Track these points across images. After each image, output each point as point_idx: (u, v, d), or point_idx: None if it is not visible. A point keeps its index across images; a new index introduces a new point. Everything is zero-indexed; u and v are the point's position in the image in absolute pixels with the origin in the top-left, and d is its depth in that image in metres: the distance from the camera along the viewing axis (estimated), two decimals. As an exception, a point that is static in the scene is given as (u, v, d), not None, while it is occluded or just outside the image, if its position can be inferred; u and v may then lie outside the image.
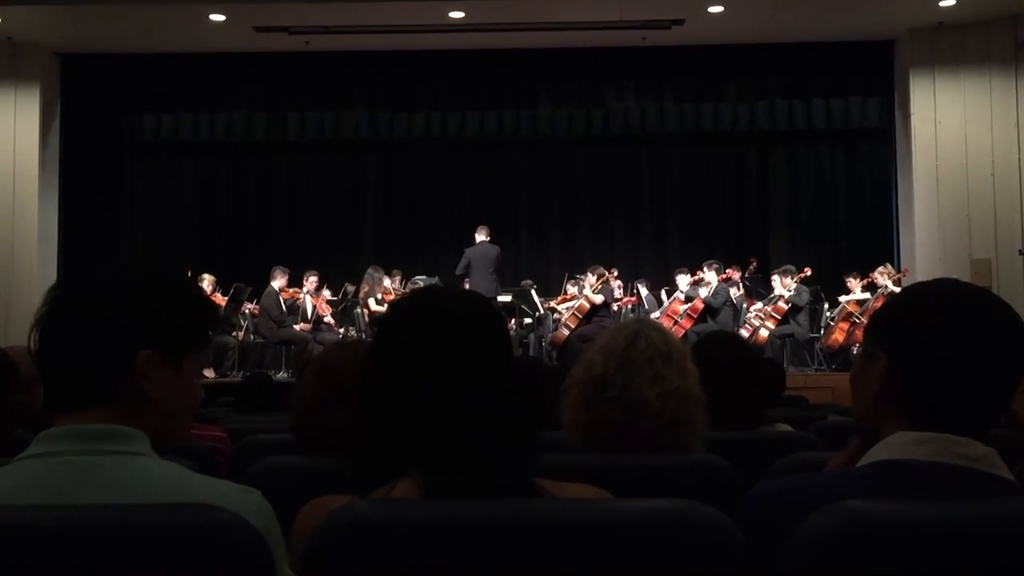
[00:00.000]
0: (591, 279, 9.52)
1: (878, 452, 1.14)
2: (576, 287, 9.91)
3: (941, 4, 9.63)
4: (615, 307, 9.78)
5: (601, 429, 1.73)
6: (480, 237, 9.99)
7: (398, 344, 1.22)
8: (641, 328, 1.80)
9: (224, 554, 0.98)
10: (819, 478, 1.19)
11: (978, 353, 1.11)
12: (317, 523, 1.02)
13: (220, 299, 9.74)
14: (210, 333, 1.29)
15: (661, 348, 1.76)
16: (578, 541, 0.99)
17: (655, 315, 9.84)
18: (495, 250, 9.91)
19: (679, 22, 9.83)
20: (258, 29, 9.78)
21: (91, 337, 1.15)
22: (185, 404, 1.24)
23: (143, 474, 1.12)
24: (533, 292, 9.99)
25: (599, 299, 9.46)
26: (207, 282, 9.87)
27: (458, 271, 9.90)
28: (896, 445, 1.12)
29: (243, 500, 1.12)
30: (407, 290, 9.80)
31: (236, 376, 9.25)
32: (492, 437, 1.16)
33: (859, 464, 1.16)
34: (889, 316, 1.20)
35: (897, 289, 9.29)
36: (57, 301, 1.19)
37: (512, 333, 10.47)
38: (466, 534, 1.00)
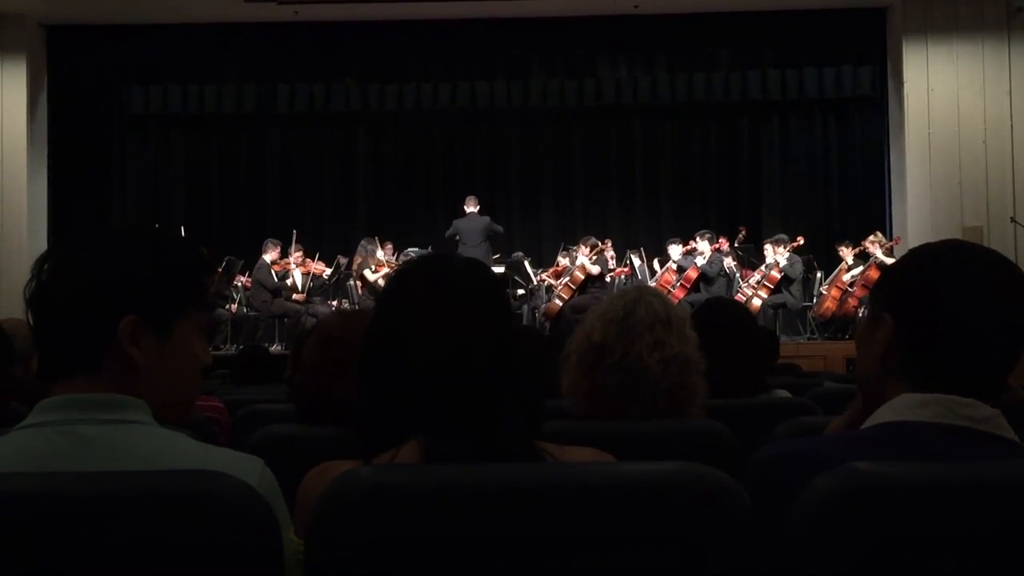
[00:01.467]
0: (584, 250, 9.51)
1: (883, 414, 1.14)
2: (568, 259, 9.90)
3: (934, -29, 9.58)
4: (608, 278, 9.78)
5: (601, 396, 1.73)
6: (469, 208, 9.93)
7: (401, 310, 1.21)
8: (641, 295, 1.80)
9: (230, 520, 0.97)
10: (824, 441, 1.19)
11: (984, 312, 1.10)
12: (322, 488, 1.02)
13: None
14: (207, 296, 1.23)
15: (661, 314, 1.76)
16: (584, 504, 0.99)
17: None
18: (484, 220, 9.85)
19: (672, -10, 9.76)
20: (247, 0, 9.66)
21: (74, 304, 1.12)
22: (184, 373, 1.18)
23: (144, 442, 1.10)
24: (526, 264, 9.98)
25: (595, 269, 9.44)
26: (199, 256, 9.82)
27: (447, 237, 9.92)
28: (901, 407, 1.12)
29: (246, 469, 1.11)
30: (400, 262, 9.78)
31: (230, 349, 9.25)
32: (494, 401, 1.16)
33: (864, 426, 1.16)
34: (895, 277, 1.19)
35: (888, 259, 9.32)
36: (44, 269, 1.16)
37: (506, 304, 10.47)
38: (470, 498, 0.99)
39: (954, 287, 1.11)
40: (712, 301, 2.64)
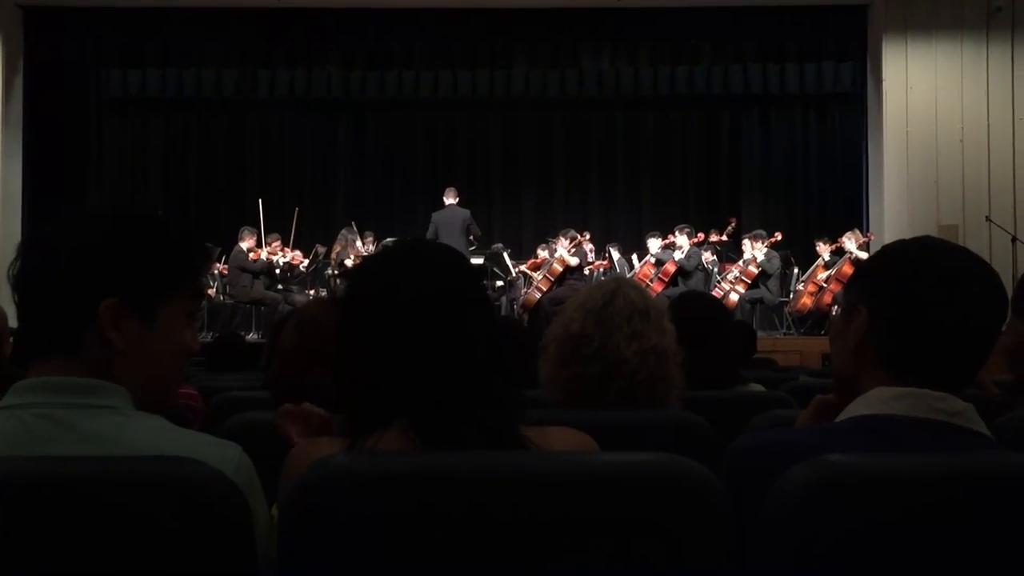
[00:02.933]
0: (564, 242, 9.51)
1: (857, 407, 1.15)
2: (547, 251, 9.90)
3: (916, -31, 9.64)
4: (587, 270, 9.79)
5: (579, 386, 1.73)
6: (448, 200, 9.79)
7: (387, 294, 1.19)
8: (619, 286, 1.80)
9: (201, 508, 0.97)
10: (799, 432, 1.20)
11: (957, 307, 1.11)
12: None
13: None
14: (197, 281, 1.20)
15: (639, 305, 1.76)
16: (562, 493, 0.99)
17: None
18: (463, 213, 9.72)
19: (655, -17, 9.77)
20: (228, -16, 9.59)
21: (55, 285, 1.10)
22: (167, 359, 1.16)
23: (119, 427, 1.09)
24: (505, 255, 9.97)
25: (575, 261, 9.44)
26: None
27: (428, 236, 9.82)
28: (875, 400, 1.13)
29: (223, 455, 1.10)
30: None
31: (206, 337, 9.19)
32: (482, 388, 1.16)
33: (838, 419, 1.17)
34: (870, 270, 1.20)
35: (863, 254, 9.39)
36: (26, 251, 1.14)
37: (485, 295, 10.46)
38: (448, 485, 0.99)
39: (927, 282, 1.13)
40: (687, 294, 2.65)
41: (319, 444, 1.18)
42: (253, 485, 1.13)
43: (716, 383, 2.26)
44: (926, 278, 1.13)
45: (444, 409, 1.13)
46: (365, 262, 1.30)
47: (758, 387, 2.45)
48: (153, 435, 1.09)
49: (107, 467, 0.98)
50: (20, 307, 1.13)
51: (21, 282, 1.13)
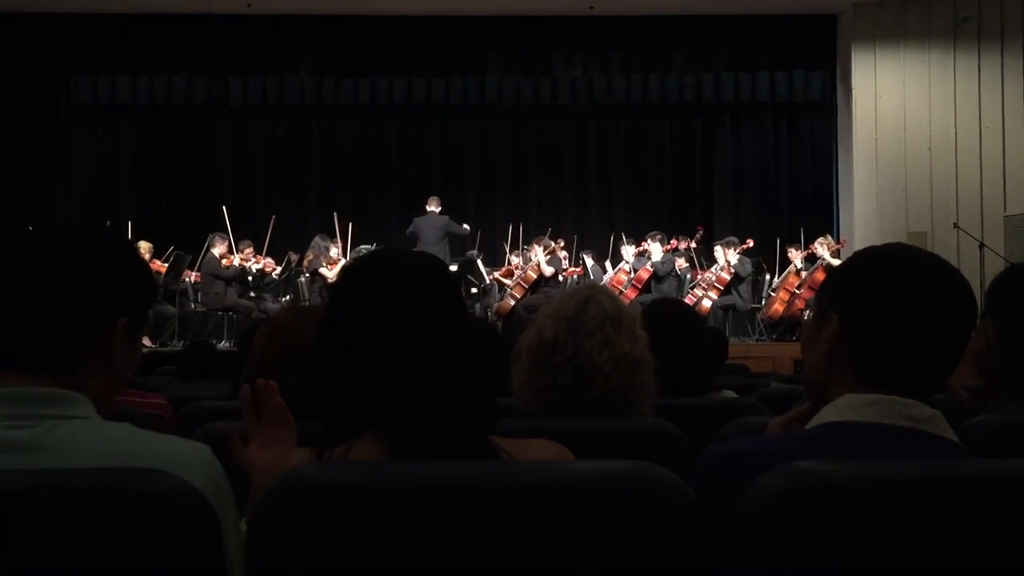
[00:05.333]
0: (539, 249, 9.53)
1: (827, 414, 1.15)
2: (521, 258, 9.92)
3: (884, -21, 9.77)
4: (561, 277, 9.81)
5: (552, 393, 1.73)
6: (430, 207, 9.96)
7: (357, 303, 1.20)
8: (592, 293, 1.80)
9: (168, 522, 0.96)
10: (769, 440, 1.21)
11: (928, 314, 1.12)
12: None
13: (159, 266, 9.56)
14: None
15: (612, 313, 1.76)
16: (534, 502, 0.99)
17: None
18: (442, 220, 9.86)
19: (627, -9, 9.83)
20: (199, -10, 9.52)
21: (51, 303, 1.11)
22: (127, 374, 1.22)
23: (89, 436, 1.09)
24: (479, 262, 9.98)
25: (549, 270, 9.47)
26: (143, 249, 9.66)
27: (408, 235, 9.92)
28: (845, 407, 1.14)
29: (193, 457, 1.10)
30: (352, 259, 9.72)
31: (176, 345, 9.10)
32: (451, 397, 1.15)
33: (808, 426, 1.18)
34: (842, 276, 1.21)
35: (835, 261, 9.48)
36: (9, 264, 1.14)
37: (459, 302, 10.46)
38: (419, 496, 0.99)
39: (897, 289, 1.13)
40: (660, 301, 2.66)
41: (292, 454, 1.17)
42: (222, 492, 1.13)
43: (689, 390, 2.27)
44: (896, 285, 1.14)
45: (414, 419, 1.13)
46: (341, 272, 1.32)
47: (731, 393, 2.46)
48: (122, 442, 1.09)
49: (71, 480, 0.97)
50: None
51: (10, 291, 1.12)
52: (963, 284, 1.15)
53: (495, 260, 10.62)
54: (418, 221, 9.90)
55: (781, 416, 1.32)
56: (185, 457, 1.09)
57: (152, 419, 2.43)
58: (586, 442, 1.69)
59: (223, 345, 8.99)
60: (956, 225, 9.87)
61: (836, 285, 1.21)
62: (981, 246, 9.45)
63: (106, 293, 1.13)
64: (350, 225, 10.08)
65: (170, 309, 9.26)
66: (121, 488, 0.97)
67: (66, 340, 1.12)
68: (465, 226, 10.09)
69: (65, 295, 1.11)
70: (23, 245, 1.16)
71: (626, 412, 1.75)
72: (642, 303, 9.50)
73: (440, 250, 9.49)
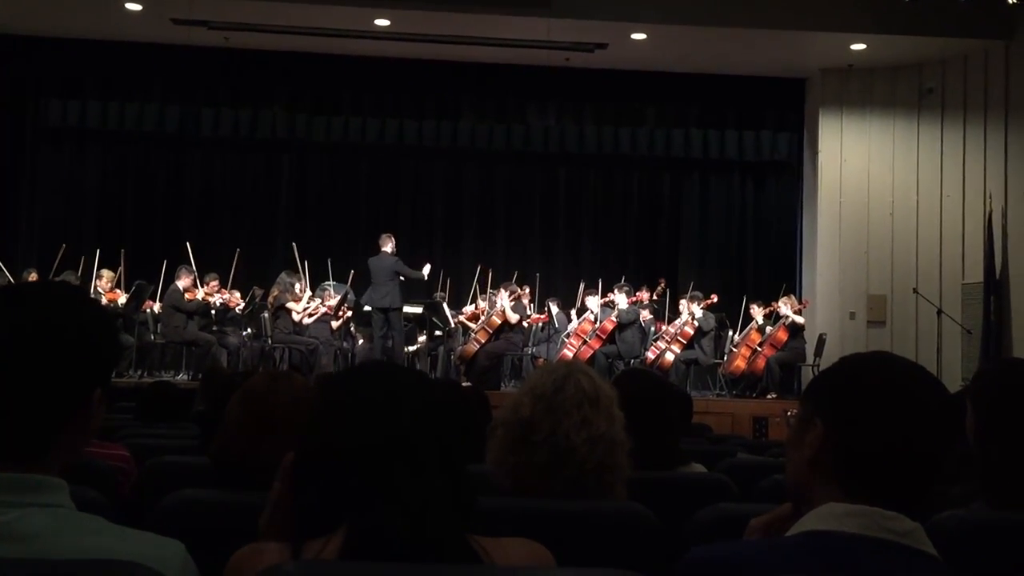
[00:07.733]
0: (504, 295, 9.53)
1: (809, 521, 1.16)
2: (486, 302, 9.91)
3: (852, 47, 10.02)
4: (525, 324, 9.82)
5: (527, 472, 1.72)
6: (384, 247, 9.55)
7: (337, 423, 1.20)
8: (570, 372, 1.80)
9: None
10: (750, 547, 1.21)
11: (911, 427, 1.14)
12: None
13: (117, 295, 9.44)
14: None
15: (590, 393, 1.76)
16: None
17: (564, 334, 9.92)
18: (390, 261, 9.46)
19: (602, 46, 9.99)
20: (176, 22, 9.50)
21: (35, 388, 1.06)
22: (98, 424, 1.17)
23: (58, 528, 1.06)
24: (444, 306, 9.95)
25: (514, 317, 9.45)
26: (105, 278, 9.55)
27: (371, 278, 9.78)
28: (827, 516, 1.14)
29: (164, 555, 1.08)
30: (317, 294, 9.63)
31: (134, 376, 8.95)
32: (432, 501, 1.14)
33: (789, 532, 1.18)
34: (827, 384, 1.22)
35: (799, 319, 9.60)
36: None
37: (421, 346, 10.39)
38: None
39: (883, 400, 1.15)
40: (629, 372, 2.66)
41: (262, 550, 1.15)
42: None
43: (659, 464, 2.27)
44: (880, 397, 1.15)
45: (392, 519, 1.12)
46: (333, 377, 1.33)
47: (699, 467, 2.47)
48: (94, 537, 1.06)
49: (53, 572, 0.94)
50: None
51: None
52: (947, 397, 1.17)
53: (460, 300, 10.60)
54: (371, 261, 9.57)
55: (761, 517, 1.32)
56: (156, 555, 1.06)
57: (115, 473, 2.38)
58: (559, 524, 1.69)
59: (182, 377, 8.86)
60: (915, 290, 10.05)
61: (821, 391, 1.22)
62: (939, 312, 9.62)
63: (80, 370, 1.09)
64: (306, 262, 9.95)
65: (128, 339, 9.10)
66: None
67: (40, 424, 1.07)
68: (426, 269, 9.67)
69: (37, 380, 1.06)
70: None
71: (600, 493, 1.74)
72: (605, 354, 9.54)
73: (390, 290, 9.34)
